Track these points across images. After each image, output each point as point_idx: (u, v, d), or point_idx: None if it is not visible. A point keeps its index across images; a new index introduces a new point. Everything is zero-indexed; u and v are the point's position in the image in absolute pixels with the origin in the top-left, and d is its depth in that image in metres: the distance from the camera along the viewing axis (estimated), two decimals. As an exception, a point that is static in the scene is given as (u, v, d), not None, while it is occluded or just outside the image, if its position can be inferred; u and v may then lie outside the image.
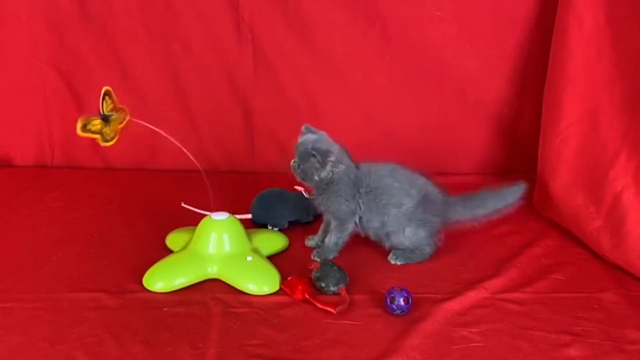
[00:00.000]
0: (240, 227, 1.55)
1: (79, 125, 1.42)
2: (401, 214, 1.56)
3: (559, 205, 1.73)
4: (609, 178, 1.60)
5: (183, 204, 1.70)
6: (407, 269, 1.55)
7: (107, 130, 1.47)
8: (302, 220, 1.73)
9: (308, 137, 1.56)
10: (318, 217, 1.71)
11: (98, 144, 2.03)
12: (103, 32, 1.97)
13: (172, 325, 1.34)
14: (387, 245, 1.60)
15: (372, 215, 1.57)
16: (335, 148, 1.55)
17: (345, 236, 1.60)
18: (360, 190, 1.57)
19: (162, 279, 1.46)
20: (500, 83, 2.00)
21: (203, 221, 1.55)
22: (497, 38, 1.95)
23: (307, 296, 1.42)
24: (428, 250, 1.59)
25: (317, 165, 1.53)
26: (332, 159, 1.53)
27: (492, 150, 2.07)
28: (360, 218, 1.58)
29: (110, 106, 1.48)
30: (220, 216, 1.54)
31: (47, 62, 2.00)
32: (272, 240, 1.64)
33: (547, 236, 1.71)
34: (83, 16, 1.95)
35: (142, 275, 1.47)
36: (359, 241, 1.63)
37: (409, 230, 1.57)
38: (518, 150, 2.06)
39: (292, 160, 1.56)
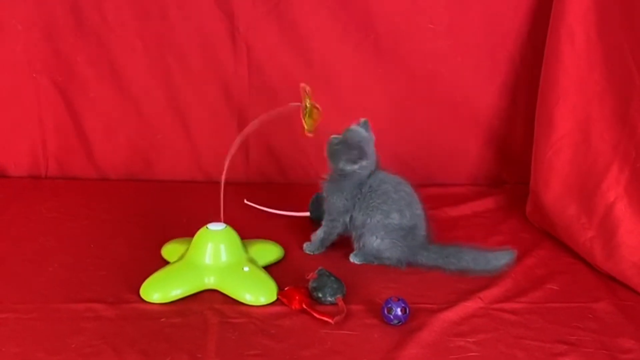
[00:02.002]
0: (236, 238, 1.56)
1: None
2: (382, 224, 1.58)
3: (552, 216, 1.75)
4: (601, 189, 1.61)
5: (246, 201, 1.75)
6: (404, 279, 1.56)
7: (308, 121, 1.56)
8: None
9: (361, 131, 1.61)
10: None
11: (92, 155, 2.07)
12: (98, 43, 1.97)
13: (169, 335, 1.34)
14: (356, 246, 1.62)
15: (359, 213, 1.60)
16: (373, 156, 1.60)
17: (332, 234, 1.64)
18: (362, 189, 1.60)
19: (159, 290, 1.46)
20: (492, 95, 2.02)
21: (199, 232, 1.55)
22: (490, 51, 1.97)
23: (304, 306, 1.42)
24: (387, 262, 1.61)
25: (352, 157, 1.58)
26: (364, 163, 1.58)
27: (485, 161, 2.09)
28: (351, 217, 1.61)
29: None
30: (217, 227, 1.55)
31: (42, 73, 2.00)
32: (268, 251, 1.64)
33: (541, 247, 1.72)
34: (78, 27, 1.96)
35: (139, 285, 1.46)
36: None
37: (379, 243, 1.59)
38: (510, 161, 2.08)
39: (333, 136, 1.61)
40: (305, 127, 1.57)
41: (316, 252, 1.64)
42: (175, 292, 1.46)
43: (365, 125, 1.63)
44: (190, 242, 1.55)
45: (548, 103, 1.77)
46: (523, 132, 1.99)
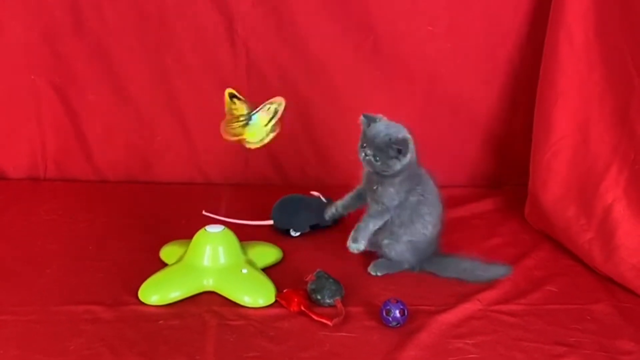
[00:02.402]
0: (235, 240, 1.56)
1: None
2: (413, 233, 1.57)
3: (551, 217, 1.75)
4: (600, 191, 1.61)
5: (204, 212, 1.70)
6: (402, 281, 1.56)
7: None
8: (321, 225, 1.75)
9: (379, 127, 1.52)
10: (336, 222, 1.75)
11: (91, 157, 2.07)
12: (97, 45, 1.97)
13: (168, 338, 1.34)
14: (377, 250, 1.61)
15: (405, 211, 1.56)
16: (406, 132, 1.52)
17: (380, 224, 1.56)
18: (418, 189, 1.56)
19: (157, 292, 1.46)
20: (491, 97, 2.02)
21: (198, 234, 1.55)
22: (489, 52, 1.97)
23: (302, 308, 1.42)
24: (405, 265, 1.60)
25: (398, 155, 1.49)
26: (412, 145, 1.50)
27: (484, 163, 2.09)
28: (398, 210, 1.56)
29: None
30: (215, 229, 1.55)
31: (40, 75, 1.99)
32: (266, 253, 1.64)
33: (539, 248, 1.72)
34: (77, 29, 1.95)
35: (137, 287, 1.46)
36: (354, 254, 1.64)
37: (403, 247, 1.58)
38: (509, 163, 2.07)
39: (364, 153, 1.52)
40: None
41: (363, 249, 1.55)
42: (174, 294, 1.46)
43: (367, 117, 1.55)
44: (188, 244, 1.55)
45: (547, 104, 1.77)
46: (522, 134, 1.99)
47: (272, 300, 1.46)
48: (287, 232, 1.75)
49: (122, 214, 1.85)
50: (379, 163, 1.50)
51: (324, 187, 1.87)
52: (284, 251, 1.66)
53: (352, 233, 1.56)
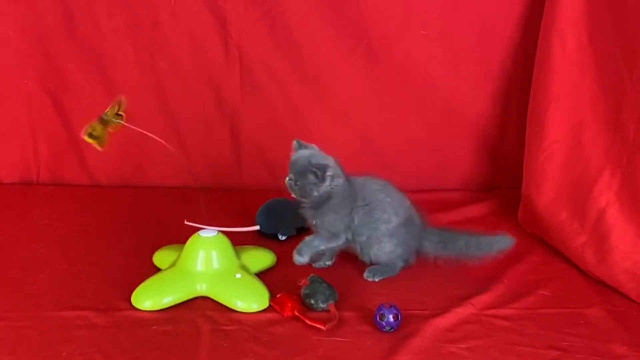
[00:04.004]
0: (228, 244, 1.55)
1: (85, 131, 1.50)
2: (387, 230, 1.58)
3: (544, 221, 1.75)
4: (593, 194, 1.62)
5: (186, 222, 1.67)
6: (396, 286, 1.56)
7: (104, 134, 1.52)
8: (307, 227, 1.74)
9: (302, 153, 1.55)
10: None
11: (84, 161, 2.06)
12: (90, 50, 1.97)
13: (161, 343, 1.33)
14: (364, 258, 1.61)
15: (363, 229, 1.58)
16: (331, 161, 1.54)
17: (329, 247, 1.59)
18: (358, 203, 1.57)
19: (150, 297, 1.45)
20: (484, 101, 2.02)
21: (191, 238, 1.54)
22: (482, 57, 1.98)
23: (296, 313, 1.42)
24: (400, 264, 1.61)
25: (316, 181, 1.51)
26: (331, 173, 1.52)
27: (477, 166, 2.09)
28: (352, 232, 1.58)
29: (114, 112, 1.54)
30: (209, 233, 1.54)
31: (33, 80, 1.99)
32: (260, 257, 1.64)
33: (533, 252, 1.72)
34: (70, 34, 1.95)
35: (131, 293, 1.46)
36: (347, 258, 1.64)
37: (388, 246, 1.58)
38: (502, 166, 2.08)
39: (287, 178, 1.55)
40: (97, 143, 1.56)
41: (305, 262, 1.57)
42: (167, 299, 1.45)
43: (300, 144, 1.57)
44: (182, 249, 1.55)
45: (540, 108, 1.77)
46: (515, 138, 2.00)
47: (266, 305, 1.46)
48: (275, 236, 1.75)
49: (115, 218, 1.85)
50: (297, 187, 1.53)
51: None
52: (277, 256, 1.66)
53: (299, 244, 1.57)
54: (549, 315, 1.46)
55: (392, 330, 1.38)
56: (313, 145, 1.58)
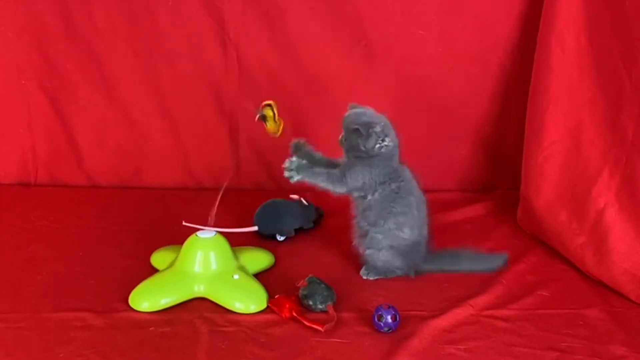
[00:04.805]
0: (226, 245, 1.55)
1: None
2: (392, 235, 1.56)
3: (543, 222, 1.75)
4: (592, 195, 1.62)
5: (184, 223, 1.66)
6: (394, 287, 1.56)
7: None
8: (304, 227, 1.77)
9: (353, 112, 1.57)
10: (317, 222, 1.78)
11: (82, 162, 2.06)
12: (88, 50, 1.96)
13: (159, 345, 1.33)
14: (360, 249, 1.60)
15: (375, 207, 1.56)
16: (382, 120, 1.54)
17: (326, 186, 1.56)
18: (391, 183, 1.55)
19: (148, 299, 1.45)
20: (483, 101, 2.02)
21: (189, 239, 1.54)
22: (480, 57, 1.98)
23: (294, 314, 1.42)
24: (399, 272, 1.60)
25: (363, 137, 1.51)
26: (377, 129, 1.51)
27: (476, 167, 2.09)
28: (366, 206, 1.56)
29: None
30: (207, 234, 1.54)
31: (31, 80, 1.99)
32: (258, 258, 1.64)
33: (532, 253, 1.72)
34: (68, 34, 1.95)
35: (128, 294, 1.46)
36: (346, 259, 1.64)
37: (386, 254, 1.58)
38: (501, 167, 2.08)
39: (340, 136, 1.56)
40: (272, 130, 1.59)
41: (295, 180, 1.54)
42: (165, 300, 1.45)
43: (354, 106, 1.59)
44: (179, 250, 1.54)
45: (538, 109, 1.77)
46: (514, 138, 1.99)
47: (264, 306, 1.46)
48: (273, 237, 1.74)
49: (113, 219, 1.84)
50: (346, 143, 1.54)
51: (315, 191, 1.87)
52: (275, 257, 1.66)
53: (300, 163, 1.55)
54: (548, 316, 1.46)
55: (391, 331, 1.38)
56: (369, 107, 1.58)
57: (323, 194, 1.61)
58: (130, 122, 2.03)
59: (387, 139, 1.52)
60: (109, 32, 1.96)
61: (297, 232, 1.75)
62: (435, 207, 1.88)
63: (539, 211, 1.76)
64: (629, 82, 1.54)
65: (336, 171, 1.56)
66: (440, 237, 1.74)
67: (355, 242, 1.60)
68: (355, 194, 1.57)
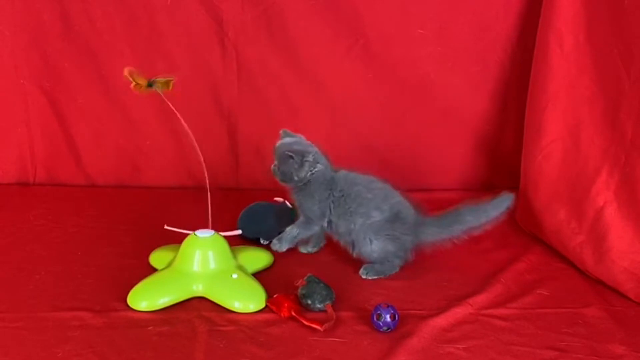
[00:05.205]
0: (225, 245, 1.55)
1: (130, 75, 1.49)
2: (367, 226, 1.58)
3: (542, 220, 1.75)
4: (591, 194, 1.61)
5: (166, 226, 1.67)
6: (393, 286, 1.56)
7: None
8: None
9: (285, 140, 1.63)
10: None
11: (81, 161, 2.06)
12: (86, 49, 1.96)
13: (157, 344, 1.33)
14: (354, 254, 1.61)
15: (339, 221, 1.60)
16: (313, 149, 1.61)
17: (306, 236, 1.65)
18: (334, 193, 1.60)
19: (146, 298, 1.45)
20: (482, 100, 2.02)
21: (187, 239, 1.54)
22: (479, 56, 1.97)
23: (293, 313, 1.41)
24: (397, 262, 1.60)
25: (296, 166, 1.58)
26: (310, 159, 1.58)
27: (475, 166, 2.09)
28: (330, 222, 1.62)
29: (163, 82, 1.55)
30: (205, 233, 1.54)
31: (29, 80, 1.98)
32: (257, 257, 1.64)
33: (531, 251, 1.72)
34: (66, 33, 1.95)
35: (127, 293, 1.45)
36: (345, 258, 1.63)
37: (376, 243, 1.58)
38: (500, 166, 2.08)
39: (273, 164, 1.61)
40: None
41: (284, 250, 1.63)
42: (163, 300, 1.45)
43: (286, 133, 1.65)
44: (178, 249, 1.54)
45: (537, 107, 1.77)
46: (513, 137, 1.99)
47: (263, 305, 1.45)
48: (257, 240, 1.73)
49: (111, 219, 1.84)
50: (279, 173, 1.61)
51: None
52: (274, 256, 1.65)
53: (280, 235, 1.64)
54: (547, 315, 1.45)
55: (389, 330, 1.38)
56: (300, 135, 1.64)
57: None
58: (129, 121, 2.02)
59: (318, 165, 1.60)
60: (108, 31, 1.95)
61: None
62: (434, 206, 1.87)
63: (537, 210, 1.76)
64: (628, 80, 1.54)
65: (301, 219, 1.64)
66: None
67: (350, 252, 1.62)
68: (324, 224, 1.63)
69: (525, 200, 1.82)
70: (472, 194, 2.03)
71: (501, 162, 2.07)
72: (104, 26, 1.94)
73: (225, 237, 1.57)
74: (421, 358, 1.31)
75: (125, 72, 1.49)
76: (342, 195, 1.60)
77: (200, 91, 2.00)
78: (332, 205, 1.61)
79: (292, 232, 1.64)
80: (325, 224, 1.62)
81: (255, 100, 2.01)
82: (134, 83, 1.50)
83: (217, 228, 1.56)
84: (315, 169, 1.59)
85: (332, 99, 2.02)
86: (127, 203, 1.95)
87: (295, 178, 1.59)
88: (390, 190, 1.63)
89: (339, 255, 1.65)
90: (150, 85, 1.52)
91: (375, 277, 1.58)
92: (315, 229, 1.64)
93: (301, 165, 1.58)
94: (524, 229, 1.83)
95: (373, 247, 1.58)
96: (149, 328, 1.37)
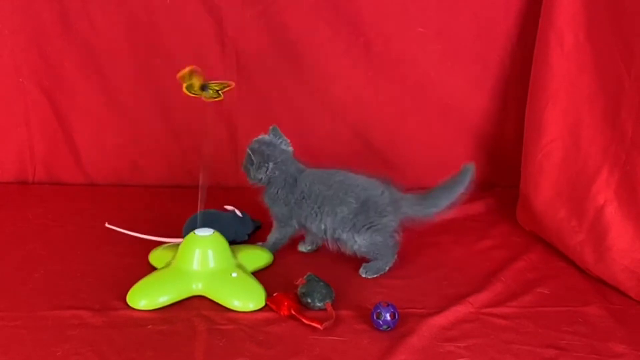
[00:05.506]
0: (224, 243, 1.55)
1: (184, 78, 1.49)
2: (339, 222, 1.57)
3: (542, 219, 1.75)
4: (591, 192, 1.61)
5: (107, 224, 1.66)
6: (393, 284, 1.55)
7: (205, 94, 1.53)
8: (237, 240, 1.71)
9: (261, 139, 1.63)
10: (253, 233, 1.74)
11: (80, 160, 2.06)
12: (86, 48, 1.96)
13: (157, 343, 1.33)
14: (346, 251, 1.60)
15: (307, 222, 1.60)
16: (276, 153, 1.60)
17: (284, 238, 1.65)
18: (295, 195, 1.60)
19: (146, 297, 1.44)
20: (482, 98, 2.02)
21: (187, 237, 1.54)
22: (479, 54, 1.97)
23: (293, 312, 1.41)
24: (390, 251, 1.59)
25: (254, 166, 1.59)
26: (268, 165, 1.59)
27: (475, 164, 2.08)
28: (301, 223, 1.62)
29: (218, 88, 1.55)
30: (205, 232, 1.53)
31: (29, 78, 1.99)
32: (257, 256, 1.63)
33: (531, 250, 1.72)
34: (65, 32, 1.95)
35: (126, 292, 1.45)
36: (344, 256, 1.63)
37: (360, 238, 1.57)
38: (500, 165, 2.07)
39: (249, 150, 1.61)
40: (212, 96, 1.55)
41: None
42: (163, 298, 1.45)
43: (274, 131, 1.64)
44: (177, 247, 1.54)
45: (538, 106, 1.76)
46: (513, 136, 1.99)
47: (262, 304, 1.45)
48: None
49: (110, 217, 1.82)
50: (243, 167, 1.63)
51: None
52: (274, 255, 1.65)
53: (262, 244, 1.67)
54: (547, 314, 1.45)
55: (389, 329, 1.38)
56: (285, 138, 1.63)
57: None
58: (128, 120, 2.02)
59: (276, 172, 1.60)
60: (107, 30, 1.95)
61: (229, 244, 1.71)
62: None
63: (538, 209, 1.76)
64: (628, 78, 1.54)
65: (275, 223, 1.65)
66: (440, 235, 1.76)
67: (341, 251, 1.62)
68: (294, 224, 1.63)
69: (525, 199, 1.82)
70: (472, 192, 2.03)
71: (501, 160, 2.07)
72: (104, 25, 1.95)
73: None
74: (421, 357, 1.31)
75: (186, 70, 1.47)
76: (303, 197, 1.59)
77: (200, 90, 2.00)
78: (294, 207, 1.60)
79: (271, 238, 1.66)
80: (297, 226, 1.63)
81: (254, 99, 2.01)
82: (187, 83, 1.49)
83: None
84: (273, 175, 1.60)
85: (332, 97, 2.02)
86: (126, 201, 1.95)
87: (251, 177, 1.61)
88: (352, 179, 1.60)
89: (338, 253, 1.64)
90: (203, 88, 1.51)
91: (376, 275, 1.58)
92: (290, 230, 1.64)
93: (259, 167, 1.59)
94: (524, 227, 1.83)
95: (359, 242, 1.57)
96: (149, 327, 1.37)
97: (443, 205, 1.61)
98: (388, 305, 1.38)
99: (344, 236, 1.58)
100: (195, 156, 2.06)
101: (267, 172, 1.59)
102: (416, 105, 2.02)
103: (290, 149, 1.64)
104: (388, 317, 1.37)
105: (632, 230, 1.54)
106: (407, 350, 1.32)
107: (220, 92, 1.53)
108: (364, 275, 1.58)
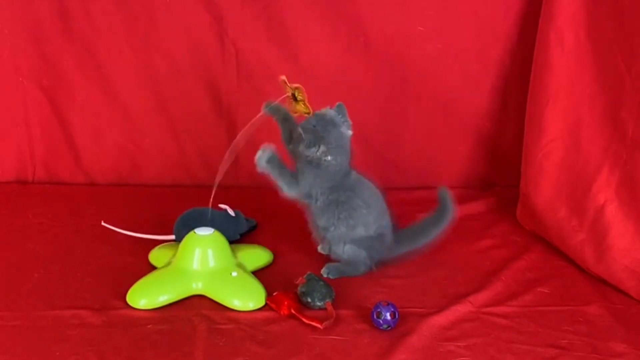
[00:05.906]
0: (224, 243, 1.55)
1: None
2: (346, 235, 1.56)
3: (542, 218, 1.74)
4: (592, 192, 1.61)
5: (103, 223, 1.66)
6: (393, 283, 1.55)
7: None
8: (229, 240, 1.67)
9: (324, 114, 1.55)
10: (245, 234, 1.74)
11: (80, 159, 2.06)
12: (85, 47, 1.96)
13: (156, 342, 1.32)
14: (322, 249, 1.62)
15: (323, 215, 1.56)
16: (333, 138, 1.52)
17: (281, 183, 1.56)
18: (332, 195, 1.55)
19: (145, 296, 1.44)
20: (482, 98, 2.02)
21: (187, 237, 1.53)
22: (480, 53, 1.97)
23: (293, 311, 1.41)
24: (363, 268, 1.59)
25: (305, 142, 1.51)
26: (319, 146, 1.51)
27: (475, 164, 2.08)
28: (313, 213, 1.57)
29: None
30: (205, 231, 1.53)
31: (28, 77, 1.98)
32: (257, 255, 1.63)
33: (531, 250, 1.72)
34: (65, 31, 1.94)
35: (126, 291, 1.45)
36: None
37: (350, 247, 1.57)
38: (501, 164, 2.07)
39: (303, 122, 1.55)
40: (303, 111, 1.55)
41: (263, 164, 1.56)
42: (163, 298, 1.44)
43: (339, 109, 1.57)
44: (177, 247, 1.54)
45: (538, 105, 1.76)
46: (513, 135, 1.99)
47: (262, 303, 1.45)
48: None
49: (110, 217, 1.82)
50: (295, 137, 1.56)
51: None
52: (274, 254, 1.65)
53: (273, 157, 1.56)
54: (548, 313, 1.45)
55: (390, 328, 1.37)
56: (348, 120, 1.57)
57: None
58: (128, 119, 2.02)
59: (329, 158, 1.52)
60: (107, 29, 1.95)
61: None
62: (433, 204, 1.88)
63: (538, 208, 1.76)
64: (629, 77, 1.54)
65: (294, 178, 1.56)
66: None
67: (319, 245, 1.62)
68: (303, 200, 1.58)
69: (525, 198, 1.82)
70: (472, 192, 2.04)
71: (501, 159, 2.06)
72: (103, 24, 1.94)
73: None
74: (421, 356, 1.31)
75: (295, 85, 1.53)
76: (340, 201, 1.55)
77: (200, 89, 2.00)
78: (321, 199, 1.55)
79: (278, 169, 1.55)
80: (305, 200, 1.56)
81: (254, 97, 2.00)
82: (289, 92, 1.53)
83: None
84: (325, 159, 1.52)
85: (332, 95, 2.00)
86: (126, 201, 1.95)
87: (299, 150, 1.53)
88: (384, 210, 1.60)
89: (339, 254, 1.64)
90: (295, 97, 1.55)
91: (337, 277, 1.57)
92: (293, 194, 1.56)
93: (308, 146, 1.51)
94: (525, 227, 1.83)
95: (346, 249, 1.57)
96: (148, 326, 1.37)
97: (431, 234, 1.63)
98: (388, 304, 1.38)
99: (337, 241, 1.57)
100: (195, 156, 2.06)
101: (318, 153, 1.51)
102: (416, 104, 2.02)
103: (350, 132, 1.56)
104: (388, 317, 1.37)
105: (633, 230, 1.53)
106: (407, 350, 1.32)
107: (309, 108, 1.55)
108: (325, 275, 1.56)
